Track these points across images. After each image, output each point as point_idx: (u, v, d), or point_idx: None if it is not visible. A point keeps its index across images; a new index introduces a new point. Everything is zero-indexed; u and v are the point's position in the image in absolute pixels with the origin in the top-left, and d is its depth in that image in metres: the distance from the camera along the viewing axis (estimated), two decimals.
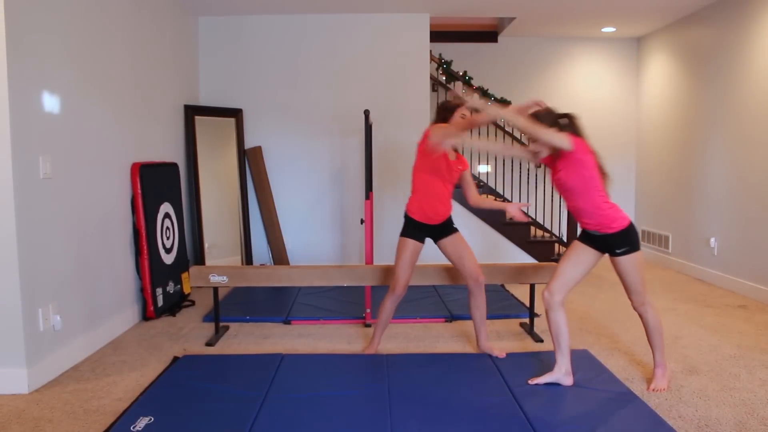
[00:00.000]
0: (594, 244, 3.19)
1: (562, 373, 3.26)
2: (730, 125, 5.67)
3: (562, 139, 3.02)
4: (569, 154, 3.05)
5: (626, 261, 3.11)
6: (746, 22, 5.40)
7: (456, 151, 3.70)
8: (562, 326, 3.22)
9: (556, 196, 7.29)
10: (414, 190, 3.68)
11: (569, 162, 3.07)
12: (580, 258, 3.22)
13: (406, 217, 3.70)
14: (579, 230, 3.31)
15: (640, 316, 3.26)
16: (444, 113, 3.62)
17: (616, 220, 3.09)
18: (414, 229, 3.66)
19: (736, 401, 3.11)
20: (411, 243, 3.65)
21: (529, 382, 3.27)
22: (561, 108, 7.63)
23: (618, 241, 3.10)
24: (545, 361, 3.59)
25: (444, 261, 3.99)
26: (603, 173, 3.15)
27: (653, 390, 3.26)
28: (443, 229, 3.72)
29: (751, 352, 3.89)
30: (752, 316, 4.73)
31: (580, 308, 5.03)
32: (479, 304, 3.77)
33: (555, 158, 3.16)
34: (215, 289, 4.23)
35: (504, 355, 3.73)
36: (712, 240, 5.92)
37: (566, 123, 3.13)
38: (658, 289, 5.69)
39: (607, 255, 3.20)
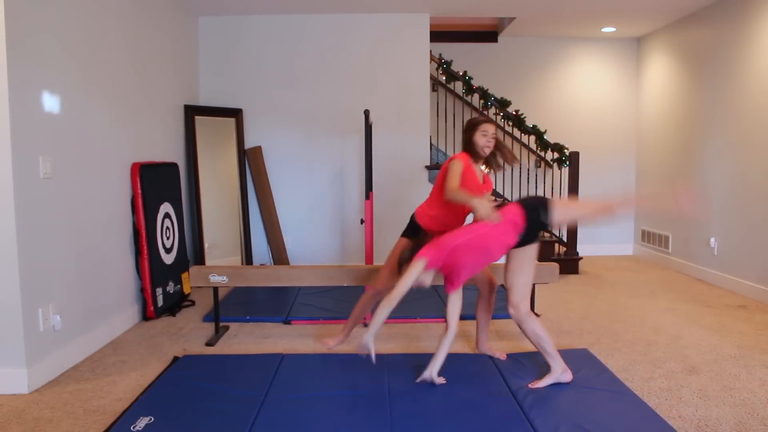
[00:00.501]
0: (525, 242, 3.18)
1: (559, 373, 3.26)
2: (729, 125, 5.67)
3: (414, 270, 3.18)
4: (435, 264, 3.19)
5: (534, 247, 3.20)
6: (746, 23, 5.40)
7: (484, 172, 3.67)
8: (540, 332, 3.24)
9: (557, 196, 7.29)
10: (429, 200, 3.66)
11: (450, 265, 3.19)
12: (521, 262, 3.21)
13: (413, 220, 3.69)
14: None
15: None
16: (468, 133, 3.55)
17: (514, 214, 3.12)
18: (416, 233, 3.65)
19: (736, 401, 3.11)
20: (409, 243, 3.64)
21: (530, 386, 3.26)
22: (561, 108, 7.59)
23: (534, 214, 3.11)
24: (545, 361, 3.59)
25: None
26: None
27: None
28: None
29: (751, 352, 3.89)
30: (752, 316, 4.73)
31: (580, 308, 5.03)
32: (488, 306, 3.77)
33: (445, 273, 3.25)
34: (215, 289, 4.23)
35: (505, 356, 3.73)
36: (712, 240, 5.92)
37: (415, 245, 3.33)
38: (658, 289, 5.69)
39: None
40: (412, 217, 3.69)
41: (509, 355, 3.75)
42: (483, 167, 3.63)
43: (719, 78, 5.84)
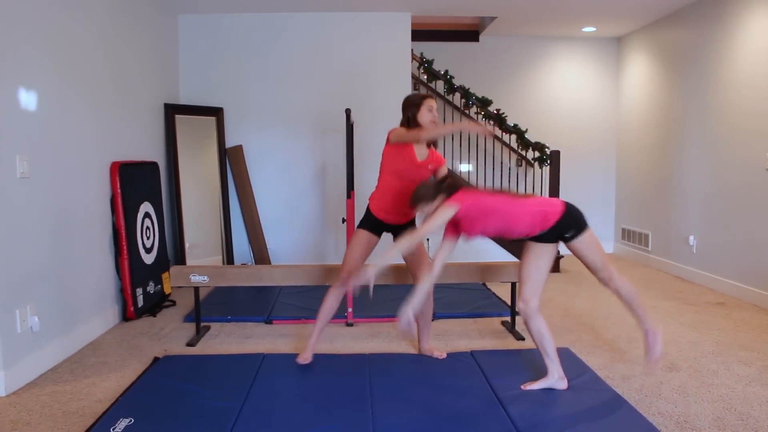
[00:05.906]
0: (545, 240, 3.12)
1: (555, 379, 3.19)
2: (708, 124, 5.74)
3: (444, 214, 2.98)
4: (462, 213, 3.00)
5: (579, 243, 3.04)
6: (724, 23, 5.47)
7: (429, 147, 3.58)
8: (545, 332, 3.14)
9: (537, 195, 7.33)
10: (379, 189, 3.60)
11: (471, 218, 3.03)
12: (540, 257, 3.14)
13: (369, 212, 3.61)
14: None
15: None
16: (410, 109, 3.48)
17: (551, 213, 3.02)
18: (370, 222, 3.58)
19: (715, 397, 3.15)
20: (364, 234, 3.58)
21: (522, 387, 3.20)
22: (541, 107, 7.62)
23: (564, 227, 3.02)
24: (527, 360, 3.61)
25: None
26: (499, 190, 3.19)
27: (653, 361, 3.22)
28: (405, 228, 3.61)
29: (729, 348, 3.94)
30: (730, 313, 4.79)
31: (561, 306, 5.06)
32: (425, 308, 3.69)
33: (456, 224, 3.10)
34: (196, 289, 4.20)
35: (444, 355, 3.71)
36: (691, 238, 5.98)
37: (448, 185, 3.13)
38: (638, 287, 5.69)
39: (556, 243, 3.16)
40: (368, 209, 3.60)
41: (491, 353, 3.76)
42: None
43: (698, 77, 5.91)
